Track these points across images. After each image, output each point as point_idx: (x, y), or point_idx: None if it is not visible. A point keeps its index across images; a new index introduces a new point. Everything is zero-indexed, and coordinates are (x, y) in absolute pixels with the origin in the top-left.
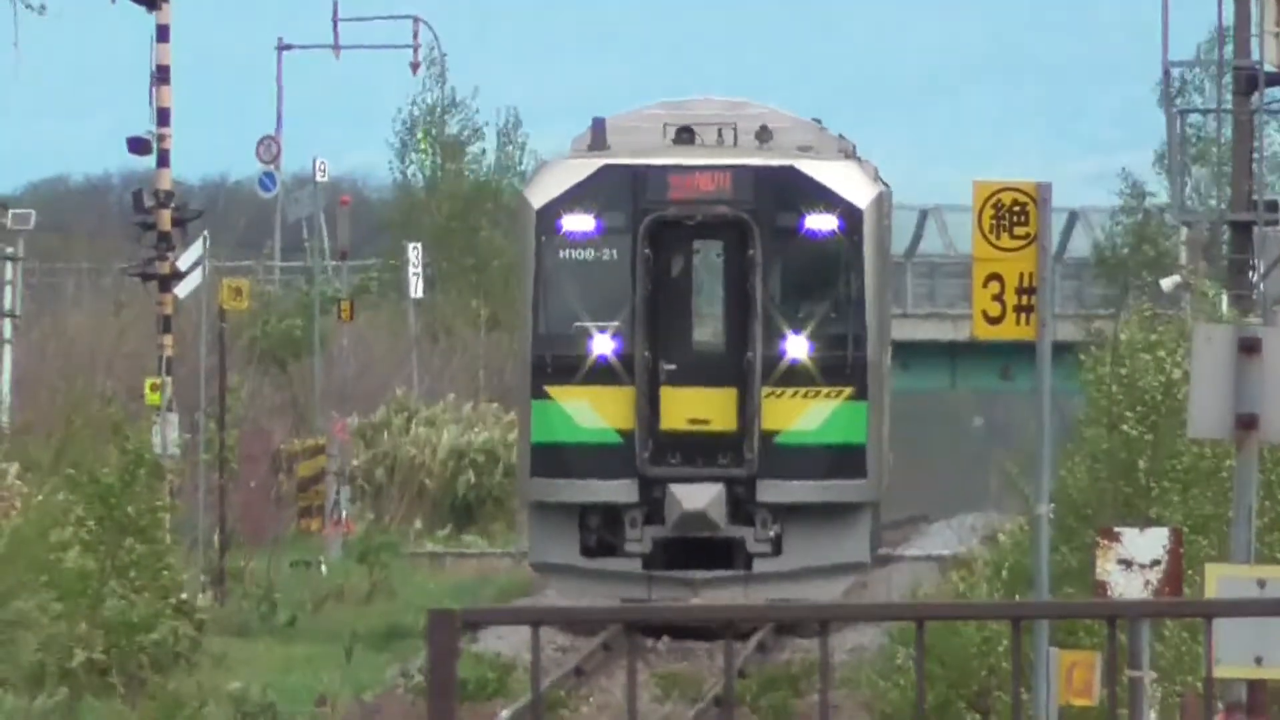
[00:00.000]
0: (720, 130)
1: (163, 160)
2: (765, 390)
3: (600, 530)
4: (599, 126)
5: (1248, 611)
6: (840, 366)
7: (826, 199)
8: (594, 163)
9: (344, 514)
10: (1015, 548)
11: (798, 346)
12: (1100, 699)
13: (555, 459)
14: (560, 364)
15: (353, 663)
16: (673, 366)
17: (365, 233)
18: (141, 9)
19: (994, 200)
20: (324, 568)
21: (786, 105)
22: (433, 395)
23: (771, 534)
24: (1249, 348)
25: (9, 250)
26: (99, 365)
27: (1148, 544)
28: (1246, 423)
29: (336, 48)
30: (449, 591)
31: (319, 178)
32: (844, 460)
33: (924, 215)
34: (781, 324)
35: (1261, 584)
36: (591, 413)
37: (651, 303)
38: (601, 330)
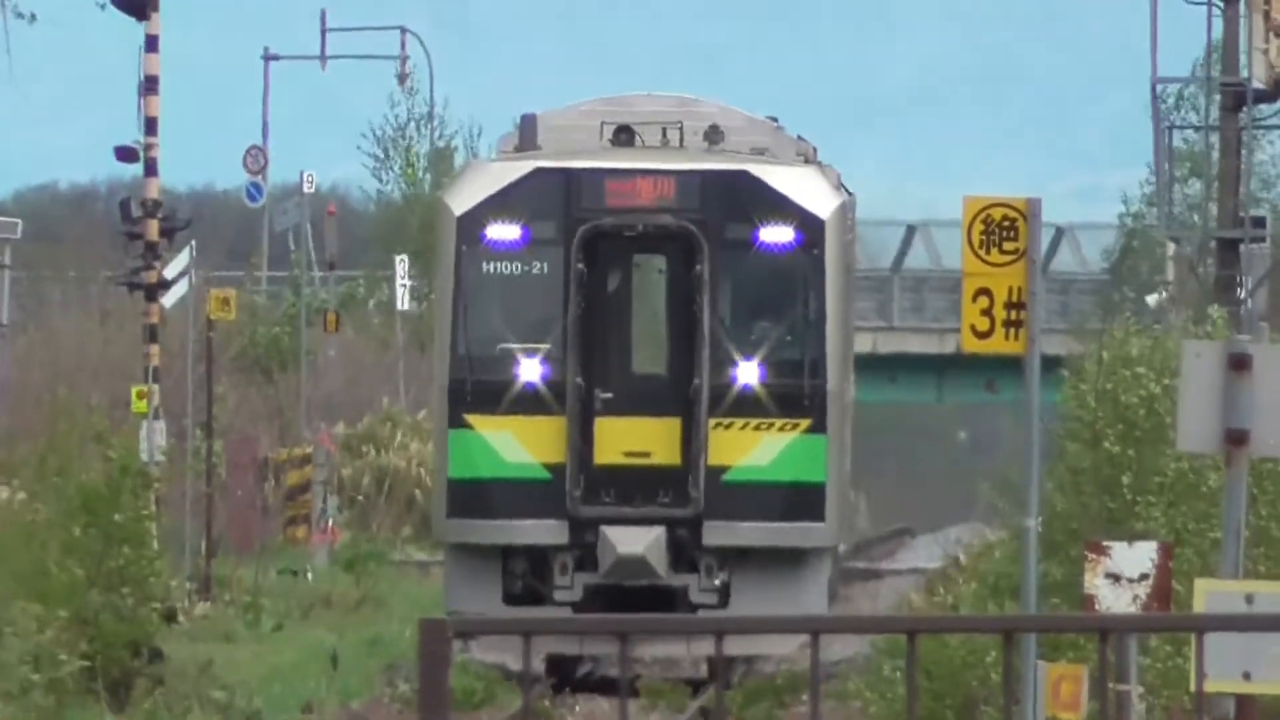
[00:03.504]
0: (665, 130)
1: (150, 169)
2: (712, 421)
3: (525, 576)
4: (529, 124)
5: (1239, 626)
6: (797, 396)
7: (783, 208)
8: (523, 165)
9: (330, 522)
10: (1002, 561)
11: (749, 373)
12: (1087, 713)
13: (476, 496)
14: (482, 390)
15: (339, 670)
16: (609, 394)
17: (352, 243)
18: (131, 19)
19: (984, 215)
20: (310, 575)
21: (779, 121)
22: (419, 406)
23: (717, 582)
24: (1239, 364)
25: None
26: (85, 374)
27: (1135, 558)
28: (1236, 438)
29: (323, 58)
30: (435, 600)
31: (306, 188)
32: (800, 500)
33: (911, 230)
34: (731, 348)
35: (1249, 599)
36: (517, 445)
37: (585, 323)
38: (529, 353)
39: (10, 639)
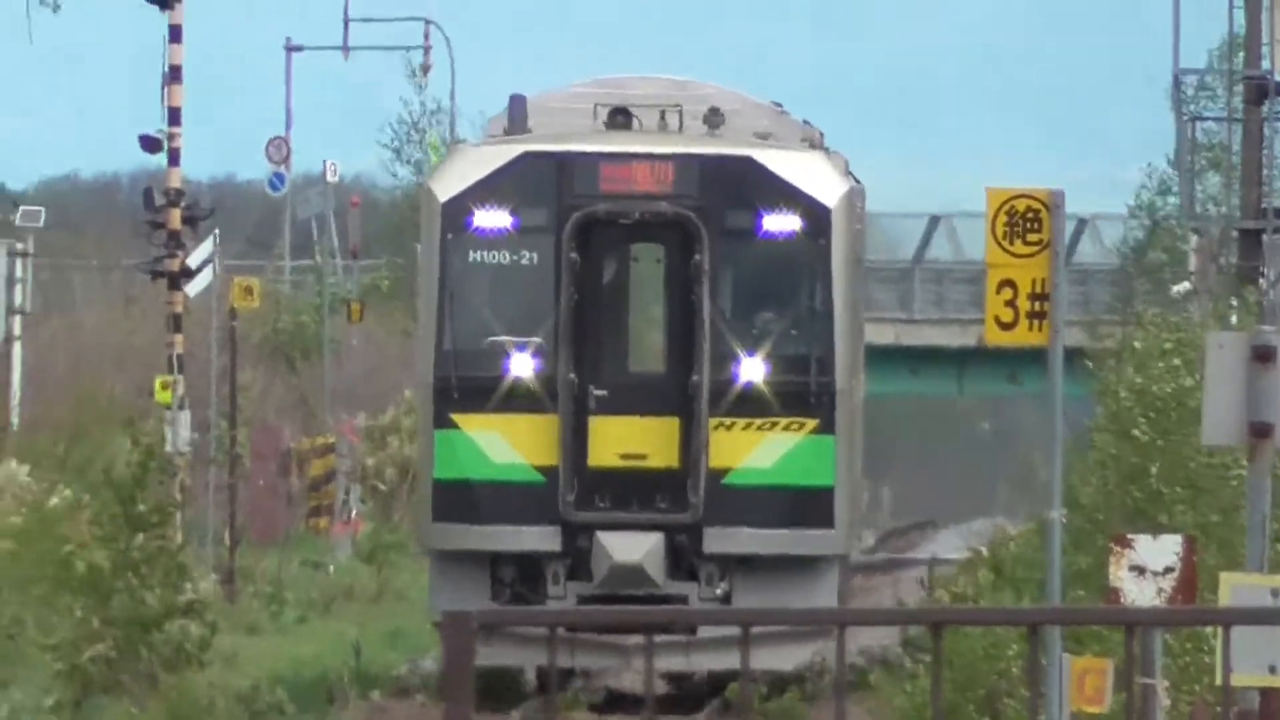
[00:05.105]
0: (663, 113)
1: (173, 159)
2: (713, 421)
3: (515, 584)
4: (518, 106)
5: (1267, 620)
6: (803, 394)
7: (787, 195)
8: (512, 149)
9: (353, 513)
10: (1026, 553)
11: (752, 369)
12: (1111, 706)
13: (462, 500)
14: (469, 387)
15: (362, 662)
16: (603, 392)
17: (376, 233)
18: (154, 8)
19: (1007, 207)
20: (331, 569)
21: (796, 112)
22: None
23: (719, 592)
24: (1263, 355)
25: (19, 247)
26: (108, 363)
27: (1160, 551)
28: (1261, 431)
29: (345, 49)
30: None
31: (329, 178)
32: (806, 505)
33: (934, 221)
34: (733, 343)
35: (1275, 593)
36: (506, 446)
37: (578, 316)
38: (519, 348)
39: (32, 629)
